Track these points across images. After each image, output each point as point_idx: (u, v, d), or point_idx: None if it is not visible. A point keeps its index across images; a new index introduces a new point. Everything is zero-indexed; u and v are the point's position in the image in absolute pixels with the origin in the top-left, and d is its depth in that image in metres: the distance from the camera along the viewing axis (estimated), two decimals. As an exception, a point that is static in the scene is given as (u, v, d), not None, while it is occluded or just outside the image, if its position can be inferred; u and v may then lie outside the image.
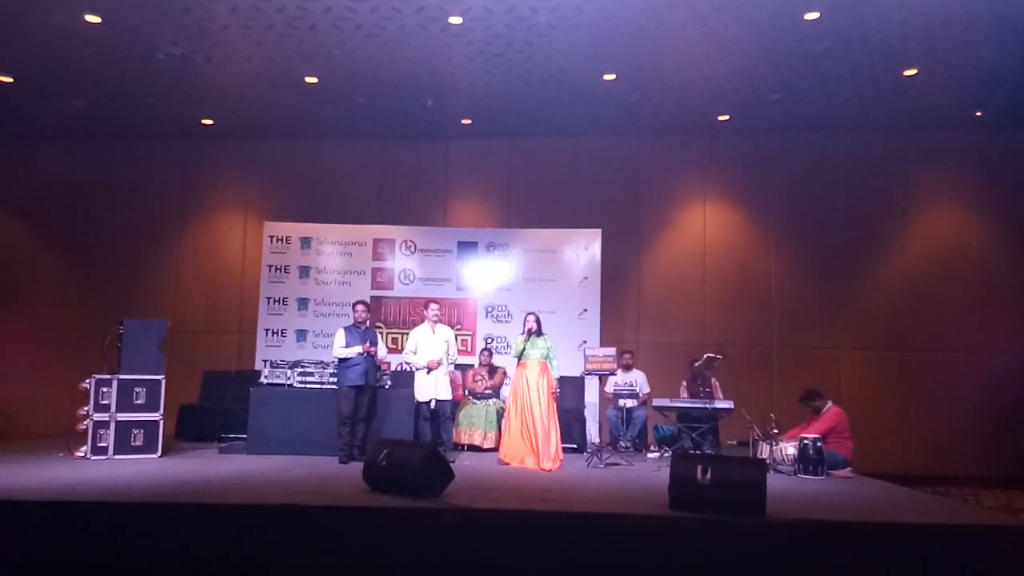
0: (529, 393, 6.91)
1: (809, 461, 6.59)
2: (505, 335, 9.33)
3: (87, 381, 6.70)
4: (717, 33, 7.23)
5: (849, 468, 6.90)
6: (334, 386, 7.22)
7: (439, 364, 7.07)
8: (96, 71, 8.21)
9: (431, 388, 7.08)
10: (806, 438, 6.71)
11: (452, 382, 7.58)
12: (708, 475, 4.62)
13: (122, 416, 6.71)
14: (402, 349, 9.21)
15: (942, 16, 6.83)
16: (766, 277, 9.94)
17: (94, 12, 6.93)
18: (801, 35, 7.24)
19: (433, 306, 7.42)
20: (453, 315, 9.42)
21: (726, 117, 9.40)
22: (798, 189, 9.91)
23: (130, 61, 7.95)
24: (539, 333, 7.09)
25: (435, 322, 7.30)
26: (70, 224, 10.49)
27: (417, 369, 7.21)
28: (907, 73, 8.01)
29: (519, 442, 6.86)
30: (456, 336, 7.88)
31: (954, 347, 9.43)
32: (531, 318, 7.11)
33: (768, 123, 9.55)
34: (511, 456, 6.87)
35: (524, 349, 7.05)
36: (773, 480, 5.44)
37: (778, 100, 8.79)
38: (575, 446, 8.06)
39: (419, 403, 7.22)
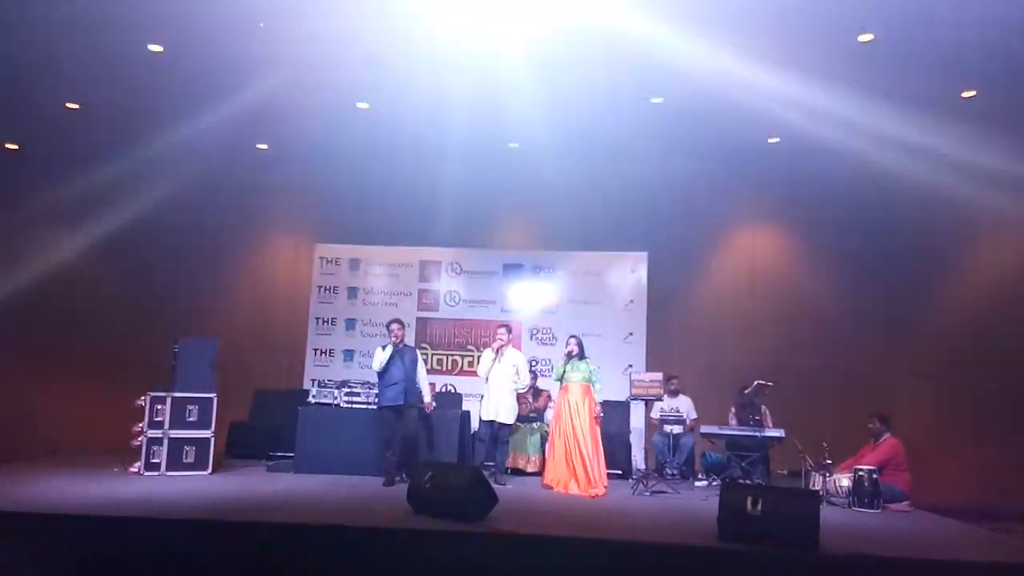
0: (571, 417, 6.86)
1: (864, 493, 6.39)
2: (550, 358, 9.29)
3: (142, 398, 6.88)
4: (768, 55, 7.16)
5: (906, 502, 6.67)
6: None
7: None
8: (157, 97, 8.51)
9: (492, 410, 7.10)
10: (861, 470, 6.51)
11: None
12: (759, 506, 4.50)
13: (175, 433, 6.86)
14: (447, 370, 9.34)
15: (1000, 40, 6.65)
16: (819, 302, 9.70)
17: (157, 42, 7.21)
18: (854, 58, 7.11)
19: (500, 330, 7.36)
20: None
21: (777, 139, 9.27)
22: (853, 213, 9.68)
23: (190, 87, 8.22)
24: (581, 356, 7.07)
25: (499, 347, 7.24)
26: (130, 245, 10.82)
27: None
28: (966, 95, 7.81)
29: (562, 466, 6.81)
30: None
31: (1017, 376, 9.04)
32: (572, 341, 7.13)
33: (821, 145, 9.37)
34: (554, 480, 6.81)
35: (564, 372, 7.03)
36: (826, 512, 5.28)
37: (831, 123, 8.62)
38: (620, 472, 7.94)
39: (482, 423, 7.24)
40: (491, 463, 7.18)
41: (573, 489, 6.63)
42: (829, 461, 6.98)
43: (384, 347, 6.99)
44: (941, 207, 9.48)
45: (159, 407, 6.86)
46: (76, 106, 8.79)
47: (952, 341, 9.30)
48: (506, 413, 7.15)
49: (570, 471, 6.74)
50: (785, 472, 8.02)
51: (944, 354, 9.30)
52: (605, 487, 6.73)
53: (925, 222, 9.50)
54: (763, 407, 8.00)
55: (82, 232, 10.93)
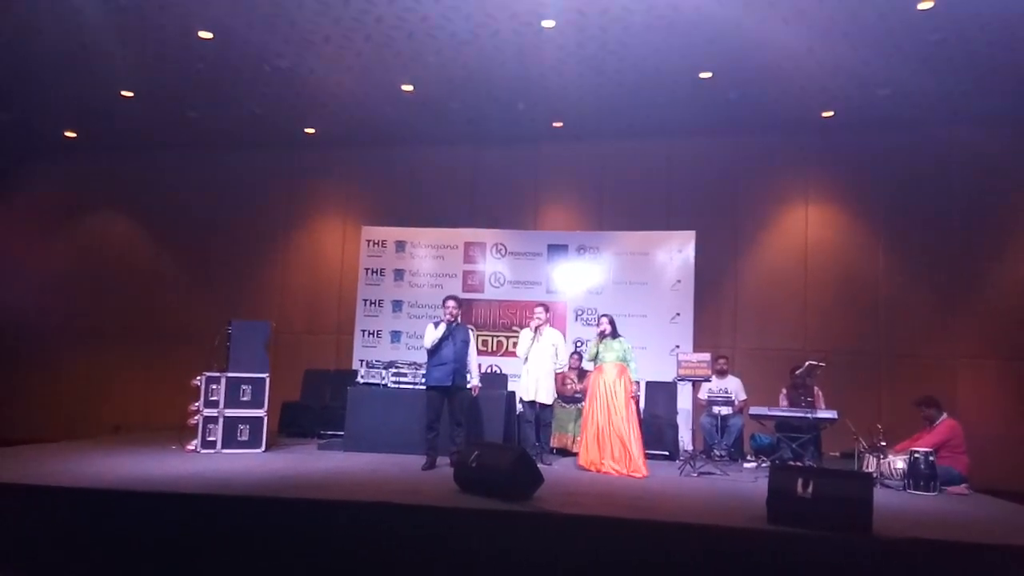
0: (607, 396, 6.81)
1: (920, 476, 6.23)
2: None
3: (198, 378, 7.07)
4: (822, 27, 6.93)
5: (964, 484, 6.47)
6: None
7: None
8: (208, 84, 8.68)
9: (531, 390, 7.11)
10: (917, 452, 6.34)
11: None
12: (810, 488, 4.42)
13: (230, 412, 7.05)
14: (492, 351, 9.39)
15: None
16: (874, 280, 9.44)
17: (207, 29, 7.33)
18: (913, 26, 6.84)
19: (537, 310, 7.34)
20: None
21: (831, 113, 9.00)
22: (909, 187, 9.37)
23: (239, 73, 8.36)
24: (614, 335, 6.99)
25: (537, 326, 7.22)
26: (186, 230, 11.13)
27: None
28: (1032, 62, 7.46)
29: (594, 447, 6.76)
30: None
31: (1086, 357, 8.68)
32: (603, 320, 7.07)
33: (877, 118, 9.07)
34: (587, 462, 6.77)
35: (597, 352, 6.98)
36: (880, 495, 5.18)
37: (888, 95, 8.34)
38: (667, 453, 7.90)
39: (524, 403, 7.24)
40: (537, 443, 7.20)
41: (610, 470, 6.58)
42: (883, 443, 6.82)
43: (437, 324, 6.75)
44: (1001, 180, 9.11)
45: (214, 387, 7.05)
46: (131, 94, 9.01)
47: (1014, 318, 8.95)
48: (545, 393, 7.14)
49: (606, 452, 6.67)
50: (837, 454, 7.87)
51: (1005, 332, 8.97)
52: (646, 467, 6.68)
53: (984, 195, 9.14)
54: (815, 388, 7.85)
55: (139, 217, 11.29)
